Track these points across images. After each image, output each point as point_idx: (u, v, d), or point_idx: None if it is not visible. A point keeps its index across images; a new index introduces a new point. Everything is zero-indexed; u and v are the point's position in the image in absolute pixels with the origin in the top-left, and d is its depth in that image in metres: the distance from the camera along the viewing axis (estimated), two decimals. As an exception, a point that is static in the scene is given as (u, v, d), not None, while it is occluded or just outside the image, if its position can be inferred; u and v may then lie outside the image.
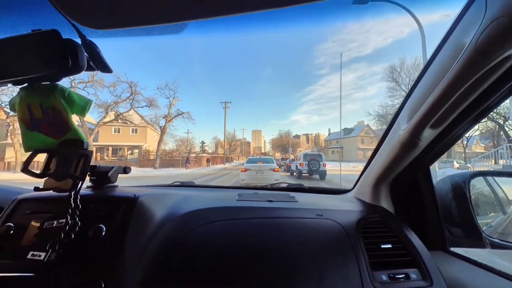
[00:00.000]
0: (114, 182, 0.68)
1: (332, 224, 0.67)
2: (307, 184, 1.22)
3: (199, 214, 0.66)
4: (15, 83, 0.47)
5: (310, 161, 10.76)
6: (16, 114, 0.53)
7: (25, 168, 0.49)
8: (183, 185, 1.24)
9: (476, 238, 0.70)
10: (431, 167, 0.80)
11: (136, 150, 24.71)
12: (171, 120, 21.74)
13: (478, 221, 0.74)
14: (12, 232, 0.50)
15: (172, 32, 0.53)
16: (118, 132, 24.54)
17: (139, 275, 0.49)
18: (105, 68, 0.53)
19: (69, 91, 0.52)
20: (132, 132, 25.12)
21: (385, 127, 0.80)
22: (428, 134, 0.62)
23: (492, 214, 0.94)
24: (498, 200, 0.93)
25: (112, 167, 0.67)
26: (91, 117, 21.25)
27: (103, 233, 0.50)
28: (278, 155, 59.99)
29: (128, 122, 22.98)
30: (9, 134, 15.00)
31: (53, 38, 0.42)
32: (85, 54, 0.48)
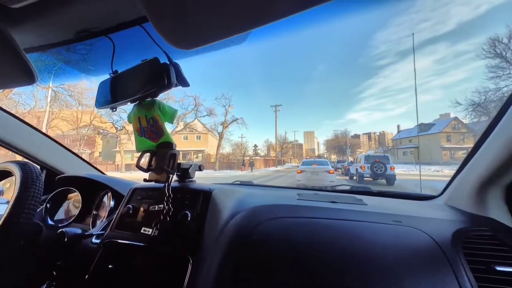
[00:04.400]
0: (193, 178, 0.81)
1: (416, 233, 0.57)
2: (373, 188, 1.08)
3: (264, 209, 0.69)
4: (131, 102, 0.64)
5: (374, 164, 9.73)
6: (130, 124, 0.72)
7: (137, 164, 0.66)
8: (243, 183, 1.34)
9: None
10: None
11: (200, 154, 28.52)
12: (227, 126, 24.30)
13: None
14: (131, 212, 0.68)
15: (235, 43, 0.59)
16: (186, 139, 29.28)
17: (216, 257, 0.56)
18: (185, 83, 0.65)
19: (162, 103, 0.66)
20: (196, 138, 29.37)
21: (485, 118, 0.61)
22: None
23: None
24: None
25: (191, 165, 0.80)
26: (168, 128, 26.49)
27: (189, 218, 0.61)
28: (334, 157, 55.44)
29: (193, 130, 26.92)
30: (117, 144, 20.40)
31: (155, 64, 0.55)
32: (174, 72, 0.60)
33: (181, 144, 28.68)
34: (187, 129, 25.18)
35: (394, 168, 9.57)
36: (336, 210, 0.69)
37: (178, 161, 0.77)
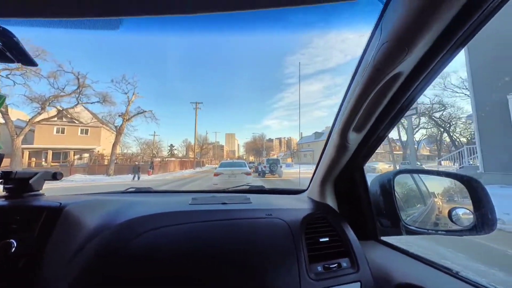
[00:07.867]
0: (38, 190, 0.57)
1: (279, 222, 0.70)
2: (270, 182, 1.25)
3: (145, 220, 0.62)
4: None
5: (271, 164, 16.18)
6: None
7: None
8: (139, 190, 1.14)
9: (398, 227, 0.77)
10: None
11: (87, 155, 21.04)
12: (130, 119, 18.92)
13: (408, 212, 0.86)
14: None
15: (106, 28, 0.48)
16: (62, 132, 20.82)
17: None
18: (28, 61, 0.46)
19: None
20: (82, 132, 21.51)
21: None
22: (354, 137, 0.70)
23: (418, 206, 1.11)
24: (421, 194, 1.11)
25: (36, 173, 0.57)
26: (23, 112, 17.46)
27: (13, 249, 0.42)
28: (252, 158, 59.65)
29: (76, 121, 19.53)
30: None
31: None
32: None
33: (52, 139, 19.93)
34: (65, 119, 17.98)
35: (282, 166, 16.03)
36: (226, 211, 0.74)
37: (10, 170, 0.53)
